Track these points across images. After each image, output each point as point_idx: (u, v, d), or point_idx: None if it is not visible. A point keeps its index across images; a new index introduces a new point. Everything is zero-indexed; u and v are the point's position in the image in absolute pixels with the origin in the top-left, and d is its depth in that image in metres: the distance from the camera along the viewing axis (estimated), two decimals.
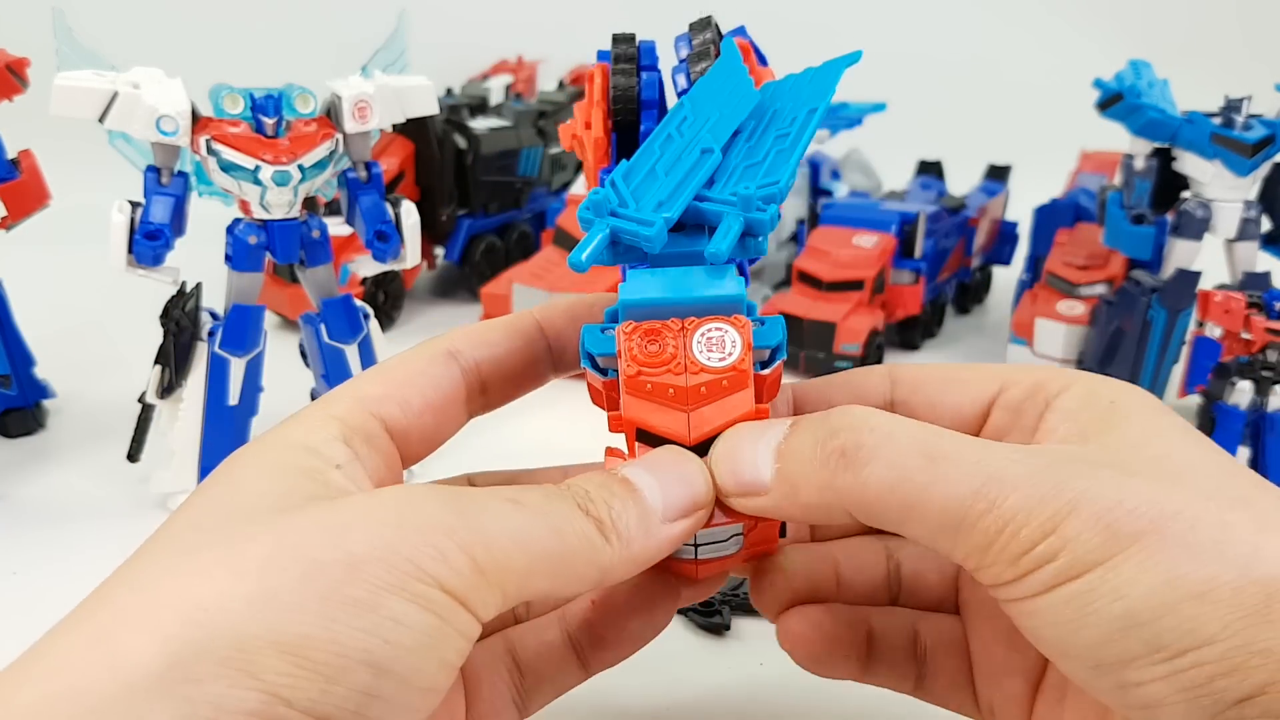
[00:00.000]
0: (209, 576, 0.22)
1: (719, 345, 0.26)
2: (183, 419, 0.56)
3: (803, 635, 0.32)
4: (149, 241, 0.52)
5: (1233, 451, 0.57)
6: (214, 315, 0.56)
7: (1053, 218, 0.91)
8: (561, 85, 1.22)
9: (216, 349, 0.55)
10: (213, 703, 0.20)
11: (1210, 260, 0.70)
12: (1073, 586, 0.23)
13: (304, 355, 0.61)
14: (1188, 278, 0.68)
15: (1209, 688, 0.21)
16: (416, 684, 0.23)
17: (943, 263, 0.89)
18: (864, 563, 0.33)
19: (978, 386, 0.29)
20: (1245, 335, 0.57)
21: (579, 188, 0.93)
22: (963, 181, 1.07)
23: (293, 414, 0.28)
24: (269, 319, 0.60)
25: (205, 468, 0.56)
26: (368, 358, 0.59)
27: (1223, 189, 0.68)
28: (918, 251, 0.85)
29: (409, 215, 0.58)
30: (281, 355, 0.63)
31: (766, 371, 0.27)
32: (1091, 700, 0.27)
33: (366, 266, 0.59)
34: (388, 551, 0.22)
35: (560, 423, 0.60)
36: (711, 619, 0.46)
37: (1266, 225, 0.71)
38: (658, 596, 0.31)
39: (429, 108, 0.58)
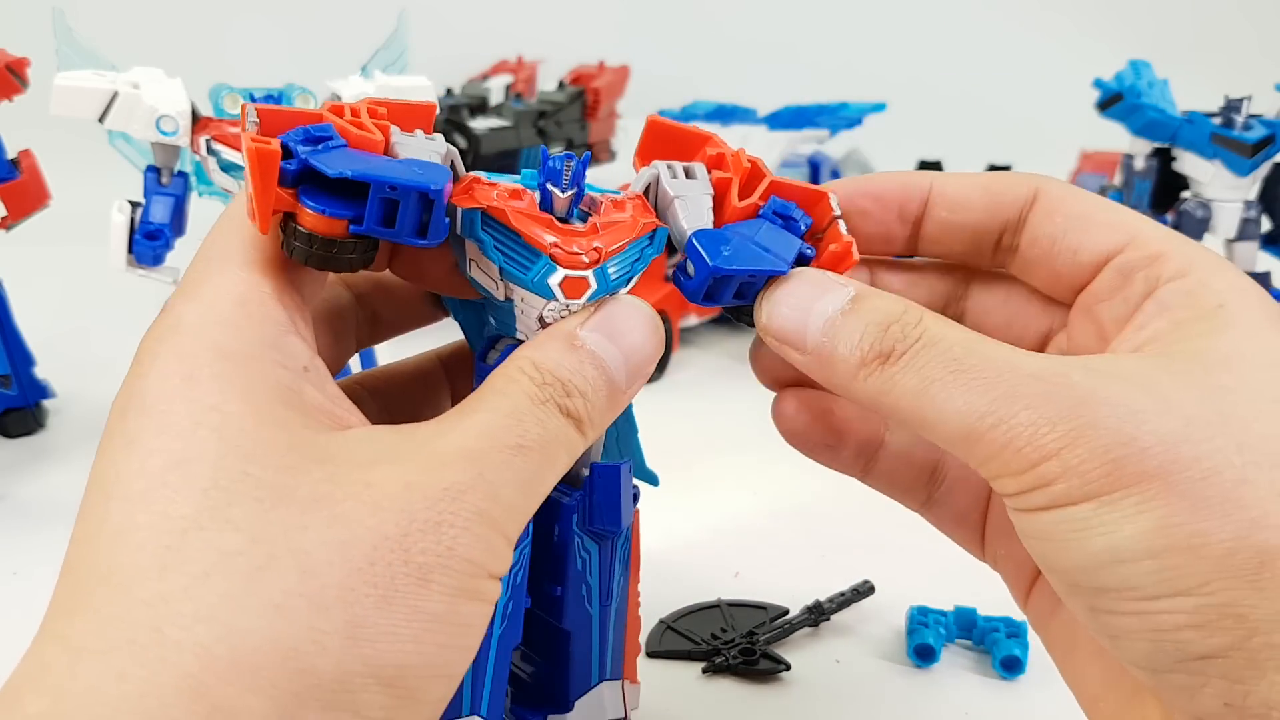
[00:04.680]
0: (292, 611, 0.20)
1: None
2: None
3: (788, 413, 0.32)
4: (149, 241, 0.52)
5: None
6: None
7: None
8: (561, 85, 1.22)
9: None
10: None
11: None
12: (1064, 512, 0.23)
13: None
14: None
15: (1175, 636, 0.22)
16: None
17: None
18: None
19: (1104, 234, 0.28)
20: None
21: None
22: None
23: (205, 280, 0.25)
24: None
25: None
26: (368, 359, 0.59)
27: (1223, 189, 0.68)
28: None
29: None
30: None
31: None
32: None
33: None
34: (446, 553, 0.21)
35: None
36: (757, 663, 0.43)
37: (1266, 225, 0.71)
38: None
39: None
